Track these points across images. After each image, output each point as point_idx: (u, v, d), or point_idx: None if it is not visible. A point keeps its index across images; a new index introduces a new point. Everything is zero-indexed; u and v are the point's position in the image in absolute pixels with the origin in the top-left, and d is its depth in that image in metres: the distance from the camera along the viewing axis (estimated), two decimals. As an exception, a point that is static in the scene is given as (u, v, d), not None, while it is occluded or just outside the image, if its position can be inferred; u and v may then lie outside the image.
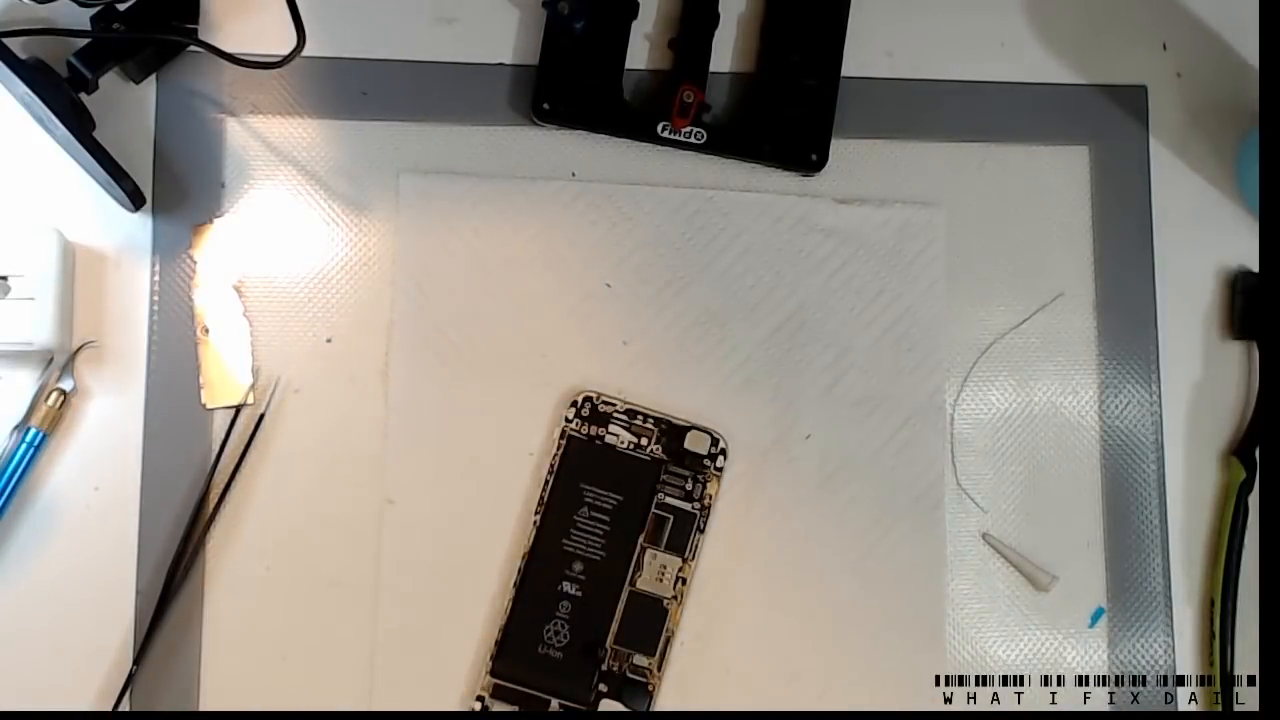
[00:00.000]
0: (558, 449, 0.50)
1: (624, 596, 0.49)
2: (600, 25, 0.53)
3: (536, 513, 0.50)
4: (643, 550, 0.50)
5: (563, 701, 0.49)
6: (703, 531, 0.50)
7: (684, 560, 0.50)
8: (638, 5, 0.53)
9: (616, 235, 0.53)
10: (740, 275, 0.53)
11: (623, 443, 0.50)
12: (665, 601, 0.49)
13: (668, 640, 0.49)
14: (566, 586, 0.49)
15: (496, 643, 0.49)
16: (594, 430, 0.50)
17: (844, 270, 0.53)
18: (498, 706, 0.49)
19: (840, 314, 0.53)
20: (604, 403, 0.51)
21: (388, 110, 0.53)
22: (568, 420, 0.51)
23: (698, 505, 0.50)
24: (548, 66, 0.53)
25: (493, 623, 0.49)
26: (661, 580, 0.49)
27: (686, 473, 0.50)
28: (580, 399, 0.51)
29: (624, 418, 0.51)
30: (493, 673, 0.49)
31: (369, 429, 0.51)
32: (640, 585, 0.49)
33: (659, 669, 0.49)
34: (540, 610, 0.49)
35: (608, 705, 0.49)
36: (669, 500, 0.50)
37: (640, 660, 0.49)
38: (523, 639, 0.49)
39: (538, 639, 0.49)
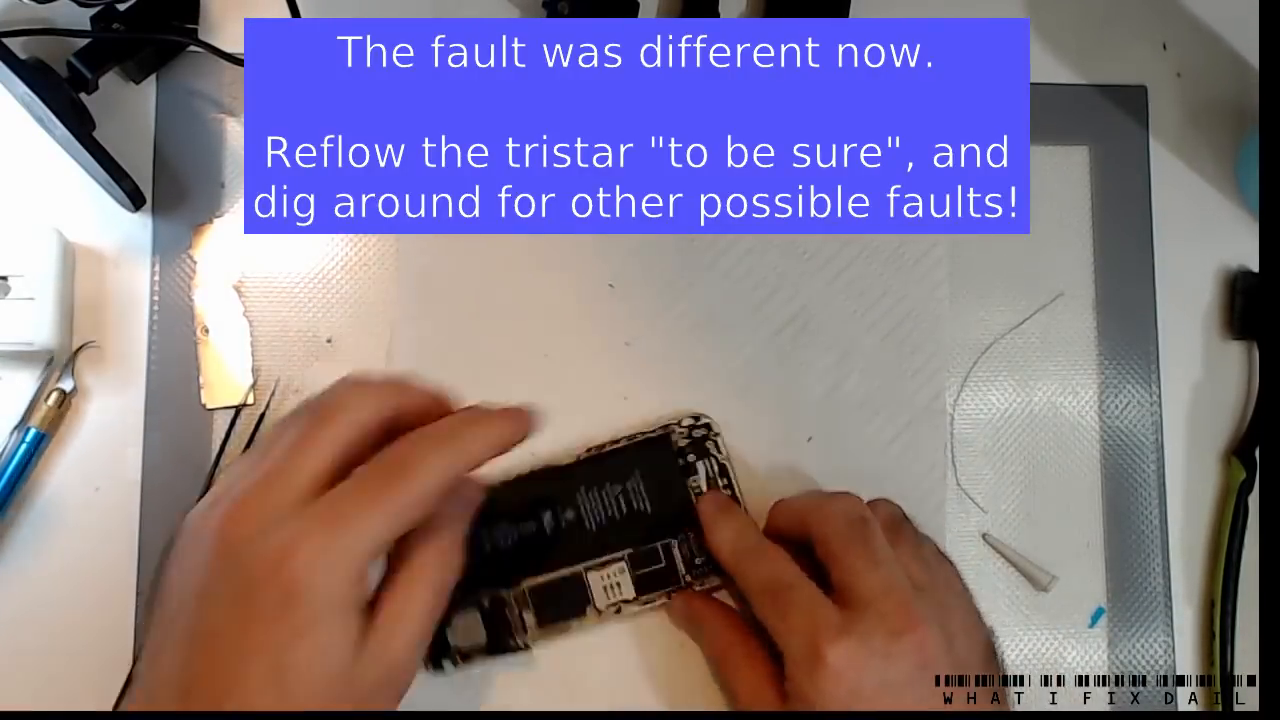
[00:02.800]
0: (655, 431, 0.50)
1: (569, 569, 0.49)
2: (601, 25, 0.53)
3: (589, 452, 0.50)
4: (619, 559, 0.49)
5: None
6: (669, 598, 0.49)
7: (636, 600, 0.49)
8: (638, 5, 0.53)
9: (620, 235, 0.53)
10: (743, 276, 0.53)
11: (695, 484, 0.50)
12: (588, 608, 0.49)
13: (562, 632, 0.49)
14: (546, 516, 0.49)
15: None
16: (687, 451, 0.50)
17: (847, 272, 0.53)
18: None
19: (843, 316, 0.53)
20: (713, 444, 0.50)
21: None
22: (679, 425, 0.50)
23: (688, 576, 0.49)
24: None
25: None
26: (605, 593, 0.49)
27: (706, 554, 0.49)
28: (703, 422, 0.50)
29: (715, 468, 0.50)
30: None
31: (369, 429, 0.51)
32: (589, 576, 0.49)
33: (534, 642, 0.49)
34: (511, 507, 0.49)
35: (465, 619, 0.48)
36: (675, 552, 0.49)
37: (528, 619, 0.49)
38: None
39: (488, 524, 0.49)
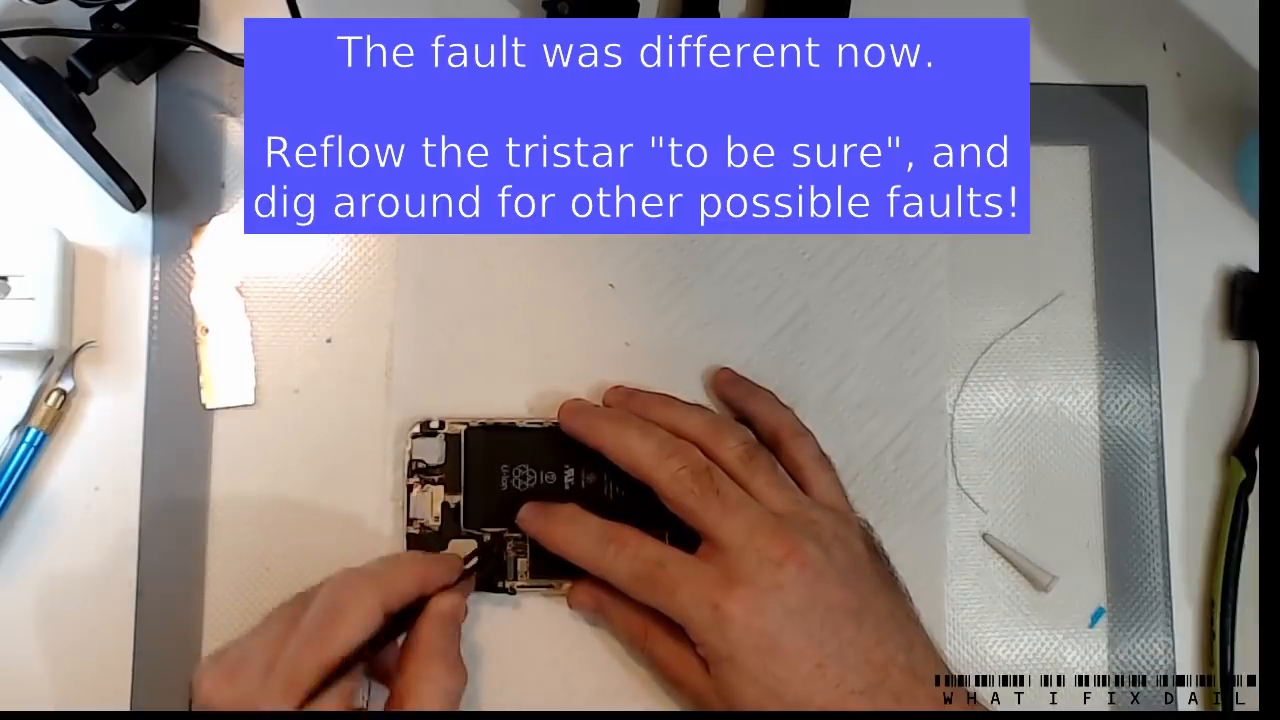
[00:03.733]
0: None
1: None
2: (601, 25, 0.53)
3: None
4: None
5: (456, 499, 0.49)
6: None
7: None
8: (638, 5, 0.53)
9: (620, 235, 0.53)
10: (743, 276, 0.53)
11: None
12: (579, 574, 0.48)
13: (549, 589, 0.49)
14: (568, 472, 0.50)
15: (483, 424, 0.50)
16: None
17: (847, 272, 0.53)
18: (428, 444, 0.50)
19: (843, 316, 0.53)
20: None
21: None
22: None
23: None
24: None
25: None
26: None
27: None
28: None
29: None
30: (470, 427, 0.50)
31: (369, 429, 0.51)
32: None
33: (520, 590, 0.49)
34: (536, 453, 0.50)
35: (462, 548, 0.49)
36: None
37: (521, 566, 0.49)
38: (499, 450, 0.50)
39: (511, 463, 0.50)
